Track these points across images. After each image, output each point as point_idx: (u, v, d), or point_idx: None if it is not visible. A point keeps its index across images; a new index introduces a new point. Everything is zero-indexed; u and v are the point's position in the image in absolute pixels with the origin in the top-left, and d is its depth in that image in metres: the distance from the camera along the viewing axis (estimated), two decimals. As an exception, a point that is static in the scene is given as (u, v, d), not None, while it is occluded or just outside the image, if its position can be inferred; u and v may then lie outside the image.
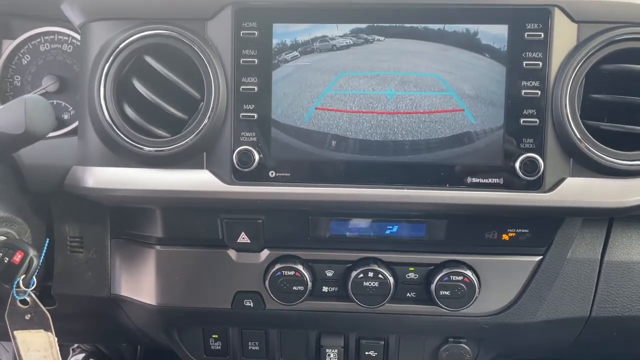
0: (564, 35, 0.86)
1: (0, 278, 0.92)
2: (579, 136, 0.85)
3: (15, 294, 0.93)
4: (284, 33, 0.89)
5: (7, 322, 0.95)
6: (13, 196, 0.98)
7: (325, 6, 0.88)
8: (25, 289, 0.93)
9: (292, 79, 0.89)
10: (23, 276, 0.91)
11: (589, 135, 0.86)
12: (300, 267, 0.98)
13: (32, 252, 0.91)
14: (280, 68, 0.89)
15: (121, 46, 0.88)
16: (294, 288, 0.98)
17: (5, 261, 0.90)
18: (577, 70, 0.85)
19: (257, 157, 0.89)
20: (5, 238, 0.93)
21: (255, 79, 0.89)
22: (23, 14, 1.14)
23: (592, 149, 0.86)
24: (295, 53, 0.89)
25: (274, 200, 0.91)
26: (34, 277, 0.93)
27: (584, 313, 1.02)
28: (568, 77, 0.85)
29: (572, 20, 0.86)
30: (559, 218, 0.97)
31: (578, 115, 0.86)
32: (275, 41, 0.89)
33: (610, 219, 1.01)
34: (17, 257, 0.90)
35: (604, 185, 0.87)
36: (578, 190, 0.87)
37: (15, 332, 0.95)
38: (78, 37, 1.09)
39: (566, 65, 0.86)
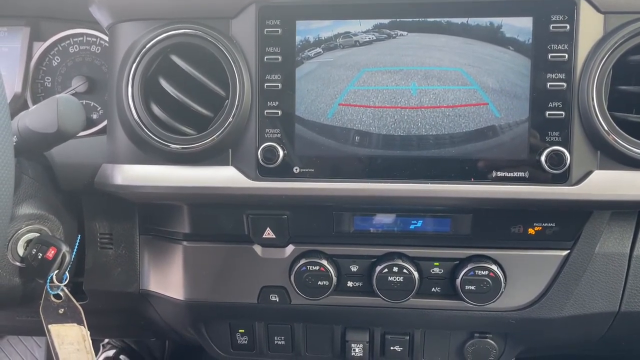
0: (590, 27, 0.85)
1: (34, 273, 0.95)
2: (606, 128, 0.84)
3: (49, 289, 0.96)
4: (306, 30, 0.89)
5: (42, 316, 0.98)
6: (46, 194, 1.00)
7: (347, 2, 0.89)
8: (58, 283, 0.96)
9: (316, 75, 0.90)
10: (56, 271, 0.95)
11: (617, 127, 0.84)
12: (325, 262, 0.99)
13: (64, 248, 0.94)
14: (303, 65, 0.90)
15: (148, 46, 0.90)
16: (319, 283, 0.99)
17: (39, 257, 0.93)
18: (604, 61, 0.84)
19: (281, 153, 0.90)
20: (38, 234, 0.96)
21: (279, 76, 0.90)
22: (52, 16, 1.17)
23: (620, 141, 0.84)
24: (318, 50, 0.89)
25: (298, 196, 0.91)
26: (66, 273, 0.96)
27: (613, 308, 1.01)
28: (595, 68, 0.84)
29: (598, 11, 0.85)
30: (586, 212, 0.96)
31: (605, 107, 0.85)
32: (298, 38, 0.89)
33: (639, 213, 0.99)
34: (51, 253, 0.93)
35: (632, 178, 0.86)
36: (606, 183, 0.86)
37: (49, 326, 0.98)
38: (106, 38, 1.12)
39: (593, 56, 0.84)
